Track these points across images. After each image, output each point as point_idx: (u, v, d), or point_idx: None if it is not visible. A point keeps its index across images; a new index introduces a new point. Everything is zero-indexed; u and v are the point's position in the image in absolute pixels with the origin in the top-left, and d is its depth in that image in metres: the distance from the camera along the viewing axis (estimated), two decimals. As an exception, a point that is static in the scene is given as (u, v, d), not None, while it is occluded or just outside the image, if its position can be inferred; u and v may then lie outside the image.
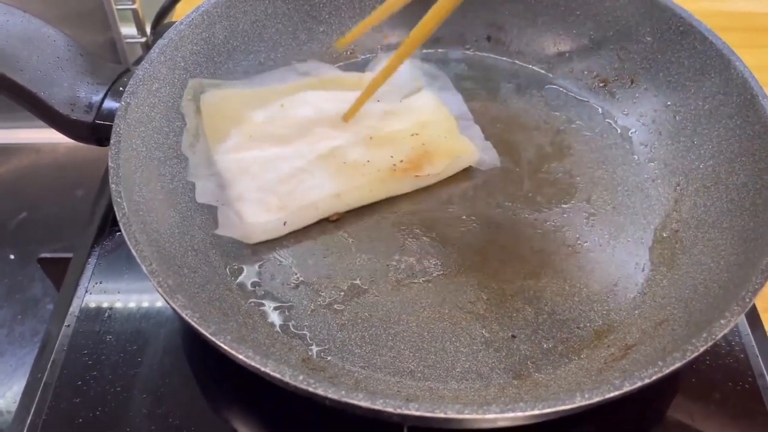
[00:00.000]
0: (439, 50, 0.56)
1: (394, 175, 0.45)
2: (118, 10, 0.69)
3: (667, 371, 0.30)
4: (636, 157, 0.48)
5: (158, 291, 0.33)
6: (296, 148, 0.46)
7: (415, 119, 0.48)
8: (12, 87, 0.42)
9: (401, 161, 0.46)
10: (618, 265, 0.42)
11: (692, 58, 0.47)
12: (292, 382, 0.30)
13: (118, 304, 0.43)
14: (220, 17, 0.48)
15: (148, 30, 0.69)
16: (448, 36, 0.56)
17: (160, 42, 0.44)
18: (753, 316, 0.41)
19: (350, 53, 0.55)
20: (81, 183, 0.69)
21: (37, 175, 0.73)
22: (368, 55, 0.55)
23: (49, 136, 0.61)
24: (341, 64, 0.55)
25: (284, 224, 0.43)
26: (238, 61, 0.50)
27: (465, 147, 0.47)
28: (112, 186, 0.37)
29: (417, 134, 0.47)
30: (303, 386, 0.30)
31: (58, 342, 0.41)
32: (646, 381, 0.30)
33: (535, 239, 0.44)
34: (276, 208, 0.43)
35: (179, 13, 0.65)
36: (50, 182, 0.72)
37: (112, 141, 0.39)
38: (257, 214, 0.43)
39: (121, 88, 0.43)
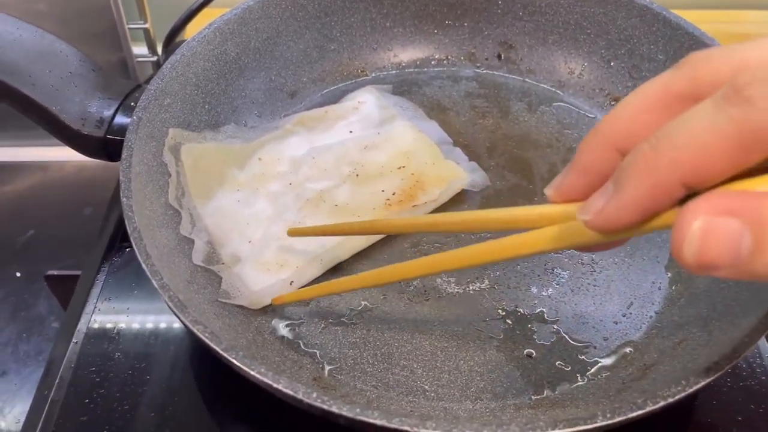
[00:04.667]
0: (451, 68, 0.56)
1: (390, 209, 0.43)
2: (130, 29, 0.69)
3: (691, 390, 0.29)
4: (650, 175, 0.48)
5: (169, 305, 0.33)
6: (283, 201, 0.44)
7: (396, 150, 0.47)
8: (24, 101, 0.42)
9: (394, 194, 0.44)
10: (634, 284, 0.42)
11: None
12: (306, 399, 0.29)
13: (127, 321, 0.42)
14: (232, 34, 0.48)
15: (159, 49, 0.69)
16: (459, 54, 0.56)
17: (173, 58, 0.44)
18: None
19: (360, 71, 0.55)
20: (89, 201, 0.69)
21: (44, 193, 0.72)
22: (378, 73, 0.55)
23: (56, 154, 0.60)
24: (351, 81, 0.55)
25: (291, 284, 0.40)
26: (250, 77, 0.50)
27: (455, 172, 0.46)
28: (123, 200, 0.37)
29: (404, 166, 0.46)
30: (317, 404, 0.29)
31: (65, 359, 0.41)
32: (669, 400, 0.29)
33: (550, 257, 0.43)
34: (276, 266, 0.41)
35: (190, 33, 0.65)
36: (58, 200, 0.71)
37: (123, 155, 0.39)
38: (260, 278, 0.40)
39: (132, 104, 0.43)
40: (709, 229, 0.20)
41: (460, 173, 0.47)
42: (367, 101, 0.50)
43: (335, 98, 0.53)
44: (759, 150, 0.20)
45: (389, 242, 0.44)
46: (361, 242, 0.43)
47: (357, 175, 0.45)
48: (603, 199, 0.23)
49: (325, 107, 0.51)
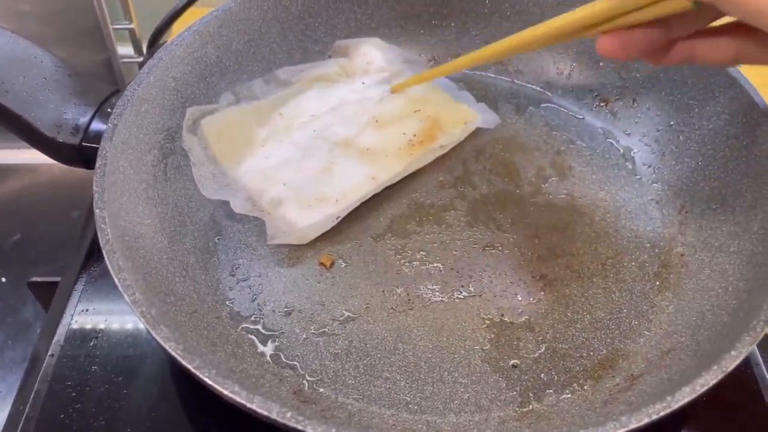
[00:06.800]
0: (437, 69, 0.55)
1: (414, 149, 0.47)
2: (114, 29, 0.68)
3: (676, 407, 0.29)
4: (639, 177, 0.47)
5: (141, 321, 0.32)
6: (312, 146, 0.47)
7: (410, 98, 0.50)
8: (-3, 109, 0.41)
9: (414, 135, 0.47)
10: (623, 291, 0.41)
11: (696, 76, 0.46)
12: (279, 419, 0.28)
13: (105, 332, 0.42)
14: (212, 37, 0.47)
15: (144, 49, 0.68)
16: (446, 55, 0.55)
17: (150, 62, 0.43)
18: (765, 346, 0.39)
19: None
20: (77, 204, 0.68)
21: (32, 196, 0.72)
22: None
23: (44, 157, 0.60)
24: (337, 83, 0.54)
25: (336, 219, 0.44)
26: (231, 81, 0.49)
27: (467, 113, 0.50)
28: (97, 211, 0.36)
29: (419, 110, 0.49)
30: (291, 423, 0.28)
31: (41, 372, 0.40)
32: (654, 417, 0.28)
33: (536, 264, 0.42)
34: (316, 201, 0.44)
35: (176, 33, 0.64)
36: (45, 203, 0.71)
37: (97, 164, 0.38)
38: (303, 215, 0.43)
39: (109, 110, 0.42)
40: None
41: (472, 114, 0.49)
42: (375, 59, 0.52)
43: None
44: None
45: (375, 231, 0.43)
46: (389, 179, 0.46)
47: (377, 121, 0.48)
48: None
49: (339, 61, 0.52)
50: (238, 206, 0.43)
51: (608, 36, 0.33)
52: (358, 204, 0.45)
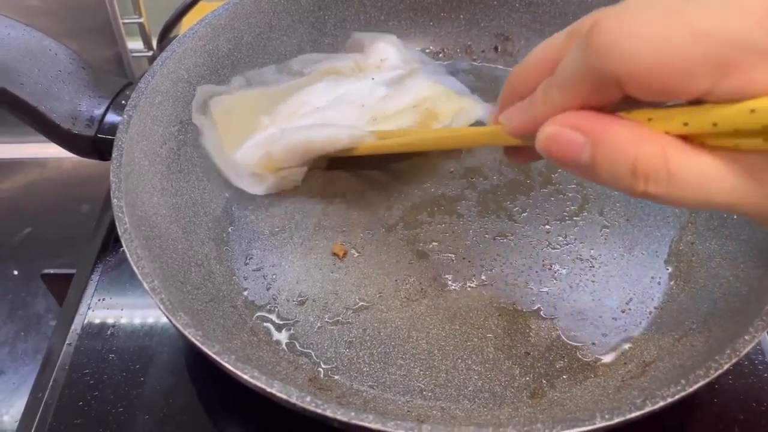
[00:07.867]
0: (446, 62, 0.55)
1: None
2: (124, 23, 0.69)
3: (690, 390, 0.29)
4: (649, 167, 0.47)
5: (160, 308, 0.32)
6: None
7: (413, 96, 0.49)
8: (12, 101, 0.41)
9: (409, 127, 0.46)
10: (633, 279, 0.41)
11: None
12: (299, 403, 0.29)
13: (121, 322, 0.42)
14: (224, 29, 0.48)
15: (154, 44, 0.69)
16: (456, 47, 0.55)
17: (163, 54, 0.44)
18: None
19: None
20: (86, 198, 0.69)
21: (41, 190, 0.72)
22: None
23: (54, 151, 0.61)
24: (347, 75, 0.54)
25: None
26: (242, 73, 0.49)
27: (468, 103, 0.48)
28: (114, 201, 0.36)
29: (417, 106, 0.48)
30: (311, 408, 0.29)
31: (59, 361, 0.40)
32: (669, 400, 0.29)
33: (548, 253, 0.43)
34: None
35: (185, 27, 0.65)
36: (55, 197, 0.71)
37: (114, 155, 0.38)
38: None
39: (123, 102, 0.43)
40: (555, 135, 0.26)
41: (473, 104, 0.48)
42: (389, 57, 0.51)
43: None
44: (609, 90, 0.24)
45: (386, 221, 0.44)
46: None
47: (374, 119, 0.47)
48: (518, 113, 0.29)
49: (353, 56, 0.51)
50: (248, 187, 0.45)
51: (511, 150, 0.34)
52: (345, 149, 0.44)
